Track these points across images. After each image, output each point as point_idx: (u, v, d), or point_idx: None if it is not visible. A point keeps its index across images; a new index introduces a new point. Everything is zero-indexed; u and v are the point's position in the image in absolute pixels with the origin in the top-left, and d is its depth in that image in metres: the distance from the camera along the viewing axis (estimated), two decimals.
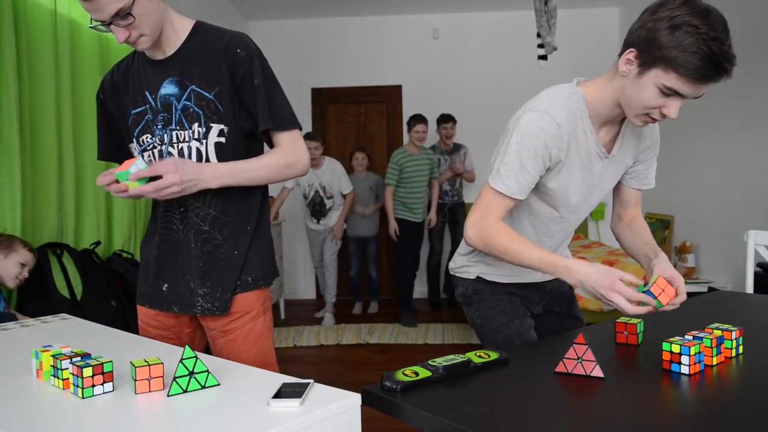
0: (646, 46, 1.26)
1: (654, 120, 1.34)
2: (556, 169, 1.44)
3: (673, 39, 1.21)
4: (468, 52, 6.17)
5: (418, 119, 5.10)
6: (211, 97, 1.46)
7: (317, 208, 5.17)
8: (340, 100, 6.26)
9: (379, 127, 6.30)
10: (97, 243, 3.34)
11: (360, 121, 6.31)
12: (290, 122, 1.52)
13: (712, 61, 1.20)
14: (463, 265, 1.69)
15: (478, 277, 1.65)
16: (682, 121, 4.87)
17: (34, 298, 2.79)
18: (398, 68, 6.20)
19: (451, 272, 1.74)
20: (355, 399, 1.05)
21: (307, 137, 4.90)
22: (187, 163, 1.41)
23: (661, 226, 5.23)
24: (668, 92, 1.27)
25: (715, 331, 1.27)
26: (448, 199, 5.46)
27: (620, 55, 1.34)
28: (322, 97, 6.25)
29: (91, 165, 3.37)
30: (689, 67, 1.21)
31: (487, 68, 6.15)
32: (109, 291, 3.18)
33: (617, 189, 1.67)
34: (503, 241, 1.40)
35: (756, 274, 3.20)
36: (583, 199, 1.53)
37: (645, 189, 1.65)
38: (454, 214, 5.48)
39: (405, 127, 5.42)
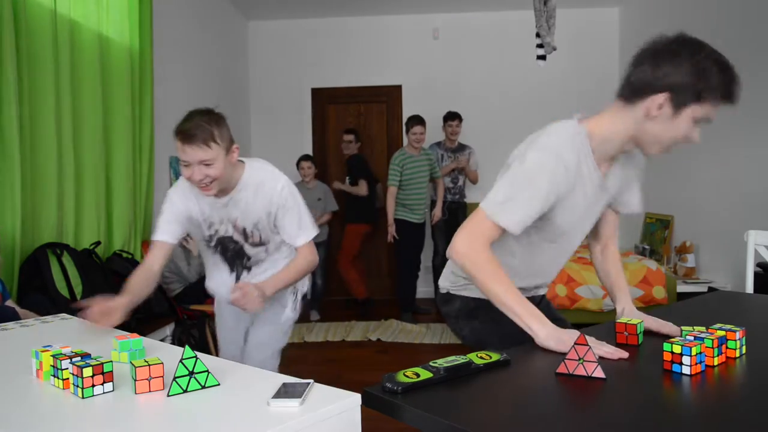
0: (679, 89, 1.34)
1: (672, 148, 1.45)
2: (560, 205, 1.47)
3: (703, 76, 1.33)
4: (468, 52, 6.17)
5: (415, 120, 5.07)
6: None
7: (231, 256, 2.27)
8: (340, 100, 6.26)
9: (379, 127, 6.30)
10: (97, 243, 3.34)
11: (360, 121, 6.30)
12: None
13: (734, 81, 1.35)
14: (464, 283, 1.68)
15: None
16: None
17: (34, 297, 2.79)
18: (398, 68, 6.20)
19: (446, 290, 1.74)
20: (355, 399, 1.05)
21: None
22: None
23: (661, 226, 5.23)
24: (700, 121, 1.38)
25: (718, 331, 1.27)
26: (450, 197, 5.44)
27: (635, 98, 1.38)
28: (322, 97, 6.25)
29: (91, 165, 3.37)
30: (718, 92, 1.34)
31: (487, 68, 6.15)
32: (109, 291, 3.18)
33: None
34: (487, 273, 1.41)
35: (756, 274, 3.20)
36: (576, 229, 1.60)
37: (631, 212, 1.73)
38: (455, 214, 5.46)
39: (404, 128, 5.40)
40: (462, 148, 5.49)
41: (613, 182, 1.57)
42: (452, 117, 5.38)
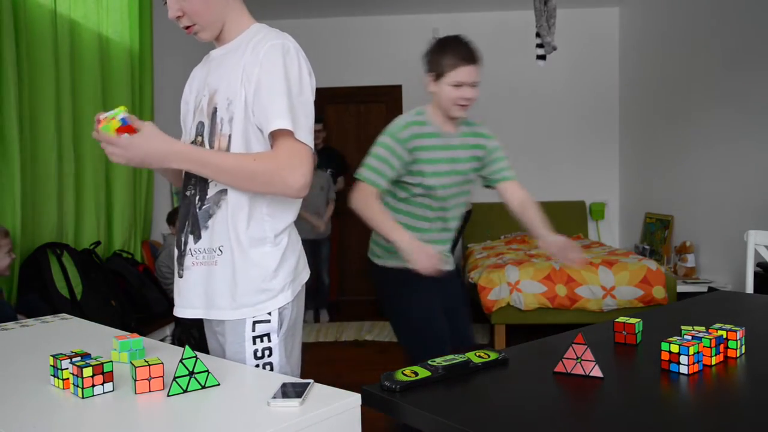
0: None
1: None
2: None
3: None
4: None
5: None
6: None
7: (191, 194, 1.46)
8: (340, 100, 6.26)
9: (379, 127, 6.26)
10: (97, 243, 3.35)
11: (360, 121, 6.31)
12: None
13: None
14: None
15: None
16: (683, 122, 4.89)
17: (34, 297, 2.80)
18: (398, 68, 6.20)
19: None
20: (355, 399, 1.05)
21: None
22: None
23: (661, 226, 5.23)
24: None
25: (718, 331, 1.27)
26: None
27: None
28: (322, 97, 6.23)
29: (91, 165, 3.38)
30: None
31: (486, 68, 6.11)
32: (109, 291, 3.18)
33: None
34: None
35: (756, 274, 3.20)
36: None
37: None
38: None
39: None
40: None
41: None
42: None
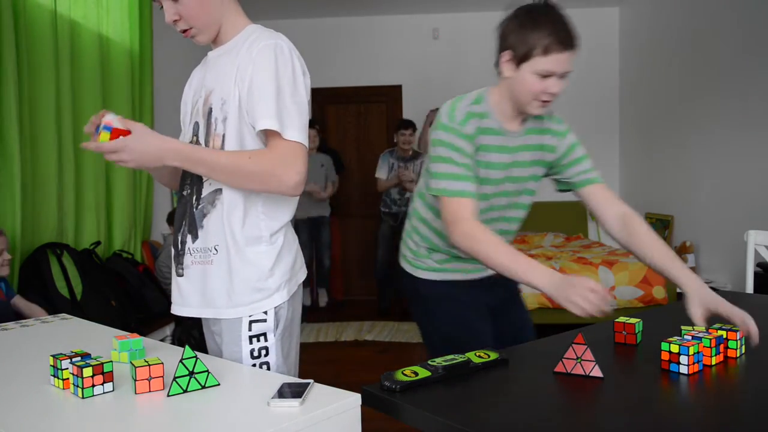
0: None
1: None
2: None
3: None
4: (468, 52, 6.17)
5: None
6: None
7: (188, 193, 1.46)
8: (340, 100, 6.26)
9: (379, 127, 6.30)
10: (97, 243, 3.35)
11: (360, 121, 6.31)
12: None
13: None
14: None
15: None
16: (682, 122, 4.89)
17: (34, 297, 2.80)
18: (398, 68, 6.20)
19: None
20: (355, 399, 1.05)
21: None
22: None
23: (661, 226, 5.23)
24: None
25: (718, 331, 1.27)
26: (396, 208, 5.20)
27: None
28: (322, 97, 6.25)
29: (92, 165, 3.38)
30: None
31: (487, 68, 6.07)
32: (109, 291, 3.18)
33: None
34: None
35: (756, 274, 3.20)
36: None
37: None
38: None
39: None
40: (416, 156, 5.22)
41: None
42: (405, 126, 5.19)
